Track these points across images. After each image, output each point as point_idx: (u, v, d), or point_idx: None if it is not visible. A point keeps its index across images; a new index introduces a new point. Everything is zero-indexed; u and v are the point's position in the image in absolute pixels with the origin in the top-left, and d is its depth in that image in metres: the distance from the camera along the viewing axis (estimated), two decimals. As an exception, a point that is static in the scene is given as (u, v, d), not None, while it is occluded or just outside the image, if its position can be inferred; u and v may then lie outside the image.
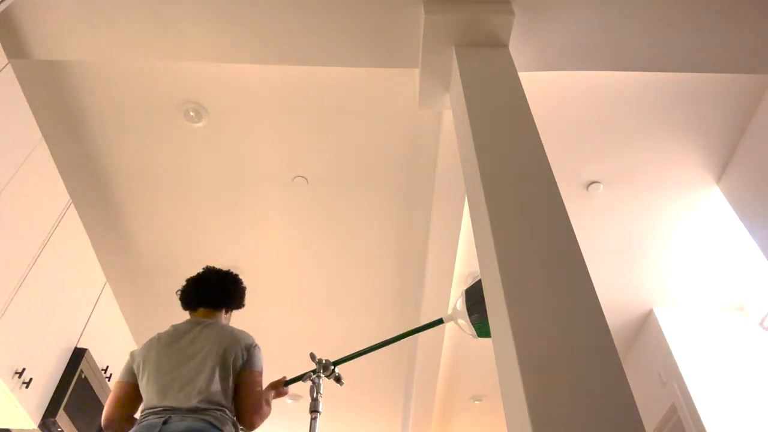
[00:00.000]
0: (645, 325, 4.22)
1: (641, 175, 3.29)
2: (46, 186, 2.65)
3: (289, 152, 3.22)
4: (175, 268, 3.90)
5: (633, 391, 1.18)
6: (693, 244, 3.65)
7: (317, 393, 1.97)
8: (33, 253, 2.52)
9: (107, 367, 3.22)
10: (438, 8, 2.24)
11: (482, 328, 2.05)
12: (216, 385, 1.69)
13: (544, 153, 1.79)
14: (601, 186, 3.34)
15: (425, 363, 4.31)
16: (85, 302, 3.03)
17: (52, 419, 2.63)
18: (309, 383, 2.01)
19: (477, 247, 1.71)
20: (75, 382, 2.81)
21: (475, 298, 2.06)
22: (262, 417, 1.78)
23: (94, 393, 3.02)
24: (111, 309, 3.35)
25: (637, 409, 1.14)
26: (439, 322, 2.20)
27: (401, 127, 3.10)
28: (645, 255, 3.74)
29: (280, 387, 1.99)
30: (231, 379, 1.74)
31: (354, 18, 2.34)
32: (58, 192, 2.76)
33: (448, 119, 2.85)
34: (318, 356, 2.08)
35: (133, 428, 1.64)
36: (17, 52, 2.45)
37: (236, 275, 2.16)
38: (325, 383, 2.05)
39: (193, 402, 1.64)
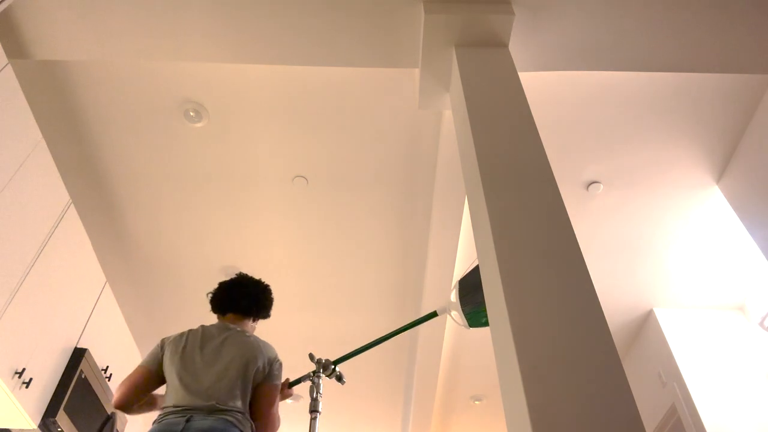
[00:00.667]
0: (645, 325, 4.22)
1: (641, 175, 3.29)
2: (46, 186, 2.65)
3: (289, 152, 3.22)
4: (175, 268, 3.91)
5: (633, 391, 1.18)
6: (693, 244, 3.65)
7: (317, 393, 1.97)
8: (33, 253, 2.52)
9: (107, 367, 3.22)
10: (438, 8, 2.24)
11: (473, 318, 2.06)
12: (237, 391, 1.73)
13: (544, 153, 1.79)
14: (601, 186, 3.34)
15: (425, 363, 4.31)
16: (85, 302, 3.03)
17: (52, 419, 2.63)
18: (309, 383, 2.01)
19: (477, 246, 1.71)
20: (75, 382, 2.81)
21: (467, 287, 2.07)
22: (276, 429, 1.83)
23: (94, 393, 3.02)
24: (111, 309, 3.35)
25: (637, 409, 1.14)
26: (434, 314, 2.21)
27: (401, 127, 3.10)
28: (645, 255, 3.74)
29: (284, 389, 2.01)
30: (250, 388, 1.78)
31: (354, 18, 2.34)
32: (58, 192, 2.76)
33: (448, 119, 2.85)
34: (317, 356, 2.08)
35: (154, 425, 1.66)
36: (17, 52, 2.45)
37: (267, 285, 2.18)
38: (325, 383, 2.06)
39: (214, 402, 1.67)
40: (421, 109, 2.60)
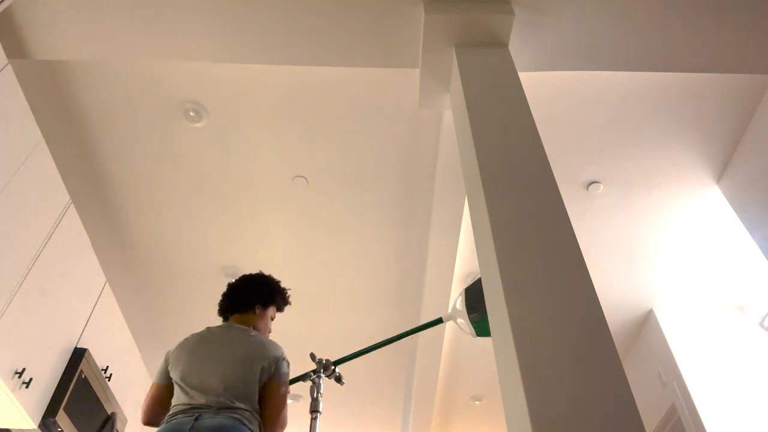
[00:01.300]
0: (645, 325, 4.22)
1: (641, 175, 3.29)
2: (46, 186, 2.65)
3: (289, 152, 3.22)
4: (175, 268, 3.91)
5: (633, 391, 1.18)
6: (693, 244, 3.65)
7: (317, 393, 1.97)
8: (33, 253, 2.52)
9: (107, 367, 3.22)
10: (438, 8, 2.24)
11: (481, 327, 2.05)
12: (242, 390, 1.73)
13: (544, 153, 1.79)
14: (601, 186, 3.34)
15: (425, 363, 4.31)
16: (85, 302, 3.03)
17: (52, 419, 2.63)
18: (309, 383, 2.01)
19: (477, 246, 1.71)
20: (75, 382, 2.81)
21: (474, 297, 2.06)
22: (283, 427, 1.82)
23: (94, 393, 3.02)
24: (111, 309, 3.35)
25: (637, 409, 1.14)
26: (439, 321, 2.20)
27: (401, 127, 3.09)
28: (645, 255, 3.74)
29: None
30: (257, 387, 1.77)
31: (354, 18, 2.34)
32: (58, 192, 2.76)
33: (448, 119, 2.85)
34: (318, 356, 2.08)
35: (162, 426, 1.66)
36: (17, 52, 2.45)
37: (268, 276, 2.19)
38: (325, 383, 2.05)
39: (222, 400, 1.68)
40: (421, 109, 2.60)
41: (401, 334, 2.18)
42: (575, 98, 2.96)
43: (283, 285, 2.22)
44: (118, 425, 3.29)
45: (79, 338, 2.95)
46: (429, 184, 3.36)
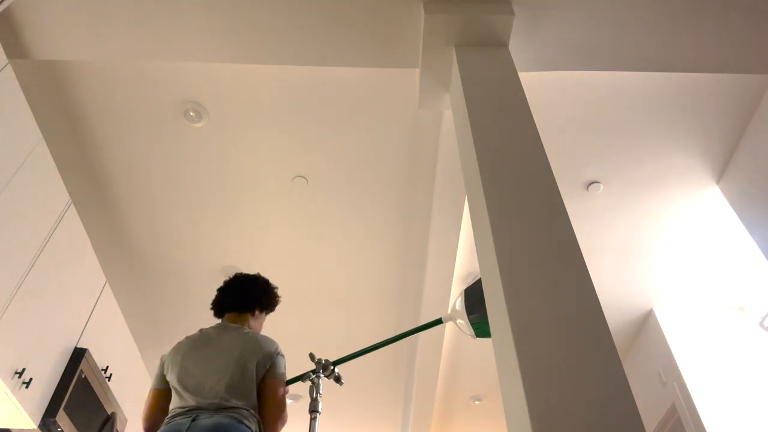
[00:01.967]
0: (645, 325, 4.22)
1: (641, 175, 3.29)
2: (46, 186, 2.65)
3: (289, 152, 3.22)
4: (175, 268, 3.91)
5: (633, 391, 1.18)
6: (693, 244, 3.65)
7: (317, 393, 1.97)
8: (33, 253, 2.52)
9: (107, 367, 3.22)
10: (438, 8, 2.24)
11: (481, 328, 2.05)
12: (239, 389, 1.73)
13: (544, 153, 1.79)
14: (601, 186, 3.34)
15: (425, 363, 4.31)
16: (85, 302, 3.03)
17: (52, 419, 2.63)
18: (308, 383, 2.01)
19: (477, 246, 1.71)
20: (75, 382, 2.81)
21: (474, 297, 2.06)
22: (284, 423, 1.81)
23: (94, 393, 3.02)
24: (111, 309, 3.35)
25: (637, 409, 1.14)
26: (439, 322, 2.20)
27: (401, 127, 3.10)
28: (645, 255, 3.74)
29: None
30: (254, 384, 1.78)
31: (354, 18, 2.34)
32: (58, 192, 2.76)
33: (448, 119, 2.85)
34: (317, 356, 2.08)
35: (161, 428, 1.67)
36: (17, 52, 2.45)
37: (265, 279, 2.17)
38: (325, 383, 2.05)
39: (219, 401, 1.68)
40: (421, 109, 2.60)
41: (401, 334, 2.18)
42: (575, 98, 2.96)
43: (277, 290, 2.21)
44: (118, 425, 3.29)
45: (79, 338, 2.95)
46: (429, 184, 3.36)
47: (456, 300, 2.16)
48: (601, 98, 2.96)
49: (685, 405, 3.64)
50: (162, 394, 1.84)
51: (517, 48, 2.40)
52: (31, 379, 2.47)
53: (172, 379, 1.81)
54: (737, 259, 3.70)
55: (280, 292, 2.22)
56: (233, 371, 1.76)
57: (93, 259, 3.12)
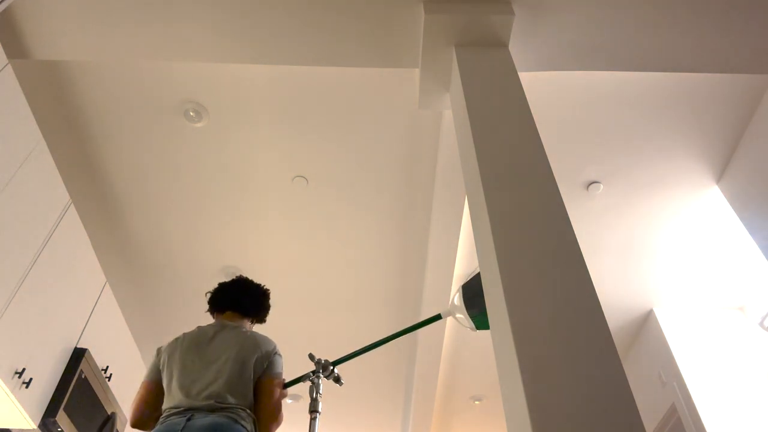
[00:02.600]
0: (645, 325, 4.22)
1: (641, 175, 3.29)
2: (46, 186, 2.65)
3: (289, 152, 3.22)
4: (175, 268, 3.91)
5: (633, 391, 1.18)
6: (693, 244, 3.65)
7: (317, 393, 1.97)
8: (33, 253, 2.52)
9: (107, 367, 3.22)
10: (438, 8, 2.24)
11: (480, 321, 2.06)
12: (237, 388, 1.73)
13: (544, 153, 1.79)
14: (601, 186, 3.34)
15: (425, 363, 4.31)
16: (85, 302, 3.03)
17: (52, 419, 2.63)
18: (308, 383, 2.01)
19: (477, 246, 1.71)
20: (75, 382, 2.81)
21: (471, 293, 2.07)
22: (279, 423, 1.81)
23: (94, 393, 3.02)
24: (111, 309, 3.35)
25: (637, 409, 1.14)
26: (438, 317, 2.21)
27: (401, 127, 3.10)
28: (645, 255, 3.74)
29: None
30: (252, 383, 1.78)
31: (354, 18, 2.34)
32: (58, 192, 2.76)
33: (448, 119, 2.85)
34: (317, 357, 2.08)
35: (156, 428, 1.66)
36: (17, 52, 2.45)
37: (267, 289, 2.19)
38: (325, 383, 2.05)
39: (215, 401, 1.67)
40: (421, 109, 2.60)
41: (400, 331, 2.18)
42: (575, 98, 2.96)
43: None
44: (118, 425, 3.29)
45: (79, 338, 2.95)
46: (429, 184, 3.36)
47: (454, 295, 2.17)
48: (601, 98, 2.96)
49: (685, 405, 3.65)
50: (154, 386, 1.83)
51: (517, 48, 2.40)
52: (31, 379, 2.47)
53: (168, 376, 1.80)
54: (737, 259, 3.70)
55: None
56: (232, 369, 1.75)
57: (93, 259, 3.12)
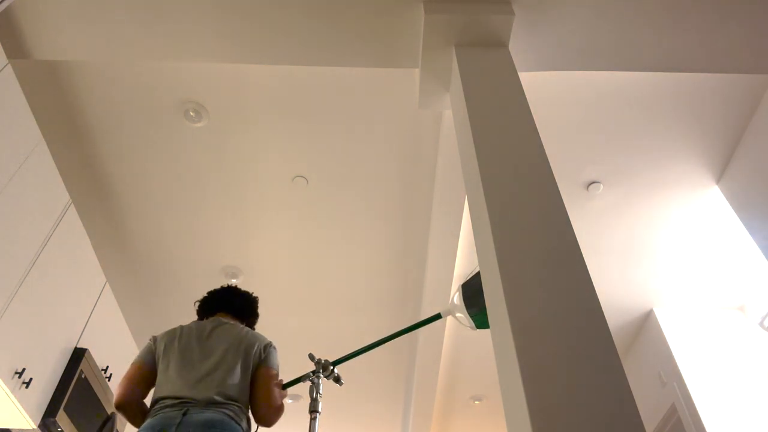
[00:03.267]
0: (645, 325, 4.22)
1: (641, 175, 3.29)
2: (46, 186, 2.65)
3: (289, 152, 3.22)
4: (175, 268, 3.90)
5: (633, 391, 1.18)
6: (693, 244, 3.65)
7: (317, 393, 1.97)
8: (33, 253, 2.52)
9: (107, 367, 3.22)
10: (438, 8, 2.24)
11: (480, 320, 2.07)
12: (234, 381, 1.72)
13: (544, 153, 1.79)
14: (601, 186, 3.34)
15: (425, 363, 4.31)
16: (85, 302, 3.03)
17: (52, 419, 2.63)
18: (308, 383, 2.01)
19: (477, 246, 1.71)
20: (75, 382, 2.81)
21: (470, 292, 2.08)
22: (278, 412, 1.81)
23: (94, 393, 3.02)
24: (111, 309, 3.35)
25: (637, 409, 1.14)
26: (438, 317, 2.21)
27: (401, 127, 3.10)
28: (645, 255, 3.74)
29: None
30: (248, 376, 1.78)
31: (354, 18, 2.34)
32: (58, 192, 2.76)
33: (448, 119, 2.85)
34: (317, 356, 2.08)
35: (149, 419, 1.64)
36: (17, 52, 2.45)
37: (257, 297, 2.20)
38: (325, 383, 2.05)
39: (211, 394, 1.66)
40: (421, 109, 2.60)
41: (400, 331, 2.18)
42: (575, 98, 2.96)
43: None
44: (118, 425, 3.29)
45: (79, 338, 2.95)
46: (429, 184, 3.36)
47: (454, 295, 2.17)
48: (601, 98, 2.96)
49: (685, 405, 3.64)
50: (147, 368, 1.81)
51: (517, 48, 2.40)
52: (31, 379, 2.47)
53: (163, 363, 1.78)
54: (737, 259, 3.70)
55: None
56: (231, 360, 1.76)
57: (93, 259, 3.12)
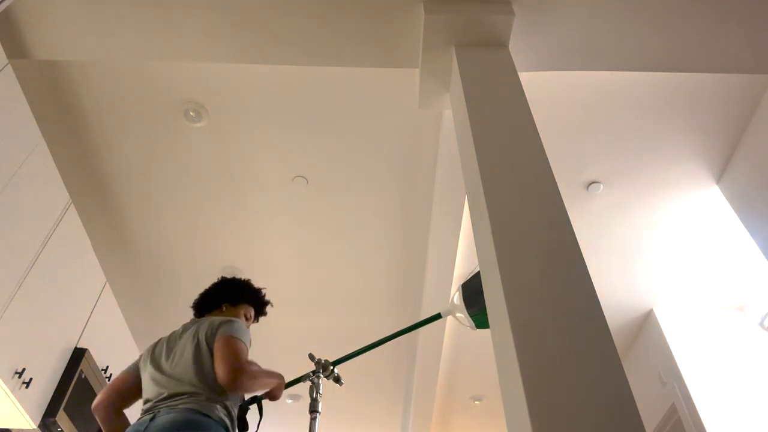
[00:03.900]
0: (645, 325, 4.22)
1: (641, 175, 3.29)
2: (46, 186, 2.65)
3: (289, 152, 3.22)
4: (175, 268, 3.90)
5: (633, 391, 1.18)
6: (693, 244, 3.65)
7: (317, 393, 1.97)
8: (33, 253, 2.52)
9: (107, 367, 3.22)
10: (438, 8, 2.24)
11: (480, 320, 2.07)
12: (192, 371, 1.68)
13: (544, 153, 1.79)
14: (601, 186, 3.34)
15: (425, 363, 4.31)
16: (85, 302, 3.03)
17: (52, 419, 2.63)
18: (308, 384, 2.01)
19: (477, 246, 1.71)
20: (75, 382, 2.81)
21: (471, 292, 2.08)
22: (245, 374, 1.64)
23: (94, 393, 3.02)
24: (111, 309, 3.35)
25: (637, 409, 1.14)
26: (438, 316, 2.21)
27: (401, 127, 3.10)
28: (645, 255, 3.74)
29: (279, 391, 1.99)
30: (206, 359, 1.70)
31: (354, 18, 2.34)
32: (58, 192, 2.76)
33: (448, 119, 2.85)
34: (317, 356, 2.08)
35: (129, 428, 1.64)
36: (17, 52, 2.45)
37: (237, 279, 2.15)
38: (325, 383, 2.05)
39: (174, 392, 1.64)
40: (421, 109, 2.60)
41: (400, 331, 2.18)
42: (575, 98, 2.96)
43: (258, 286, 2.16)
44: (118, 425, 3.28)
45: (79, 338, 2.95)
46: (429, 184, 3.36)
47: (454, 295, 2.17)
48: (601, 98, 2.96)
49: (685, 405, 3.64)
50: (129, 378, 1.83)
51: (517, 48, 2.39)
52: (31, 379, 2.47)
53: (143, 371, 1.79)
54: (737, 259, 3.70)
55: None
56: (187, 358, 1.72)
57: (93, 259, 3.12)
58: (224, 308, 2.03)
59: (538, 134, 1.86)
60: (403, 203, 3.50)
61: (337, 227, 3.65)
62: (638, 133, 3.11)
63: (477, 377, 4.85)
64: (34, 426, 2.58)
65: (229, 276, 2.20)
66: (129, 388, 1.82)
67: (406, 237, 3.70)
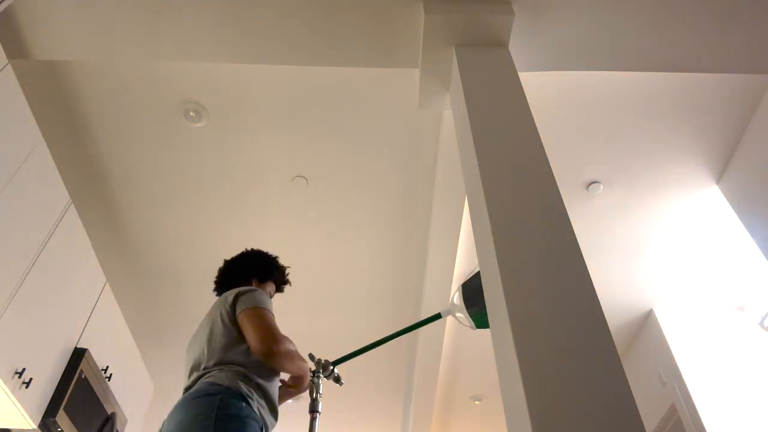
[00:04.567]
0: (645, 325, 4.22)
1: (641, 175, 3.29)
2: (46, 186, 2.65)
3: (289, 152, 3.22)
4: (174, 268, 3.91)
5: (633, 391, 1.18)
6: (693, 244, 3.65)
7: (316, 393, 1.97)
8: (33, 253, 2.52)
9: (107, 367, 3.22)
10: (438, 8, 2.24)
11: (480, 319, 2.07)
12: (210, 346, 1.67)
13: (544, 153, 1.79)
14: (601, 186, 3.34)
15: (425, 363, 4.31)
16: (85, 302, 3.03)
17: (52, 419, 2.63)
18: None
19: (477, 246, 1.71)
20: (75, 382, 2.80)
21: (471, 292, 2.08)
22: (278, 344, 1.63)
23: (94, 393, 3.02)
24: (111, 309, 3.34)
25: (637, 409, 1.14)
26: (438, 316, 2.21)
27: (401, 127, 3.09)
28: (645, 255, 3.74)
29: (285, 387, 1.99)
30: (224, 336, 1.67)
31: (354, 18, 2.34)
32: (58, 192, 2.76)
33: (448, 119, 2.85)
34: (317, 356, 2.08)
35: None
36: (17, 52, 2.45)
37: (263, 251, 2.10)
38: (325, 383, 2.05)
39: (195, 375, 1.65)
40: (421, 109, 2.59)
41: (400, 331, 2.18)
42: (575, 98, 2.96)
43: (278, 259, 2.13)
44: (118, 425, 3.29)
45: (79, 338, 2.95)
46: (429, 184, 3.36)
47: (454, 295, 2.17)
48: (601, 98, 2.96)
49: (685, 405, 3.64)
50: None
51: (517, 48, 2.39)
52: (31, 379, 2.47)
53: None
54: (737, 259, 3.70)
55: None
56: (204, 336, 1.71)
57: (93, 259, 3.12)
58: (253, 284, 2.00)
59: (538, 134, 1.86)
60: (403, 203, 3.50)
61: (337, 227, 3.65)
62: (638, 133, 3.11)
63: (477, 377, 4.85)
64: (34, 426, 2.58)
65: (251, 249, 2.12)
66: None
67: (406, 237, 3.70)
